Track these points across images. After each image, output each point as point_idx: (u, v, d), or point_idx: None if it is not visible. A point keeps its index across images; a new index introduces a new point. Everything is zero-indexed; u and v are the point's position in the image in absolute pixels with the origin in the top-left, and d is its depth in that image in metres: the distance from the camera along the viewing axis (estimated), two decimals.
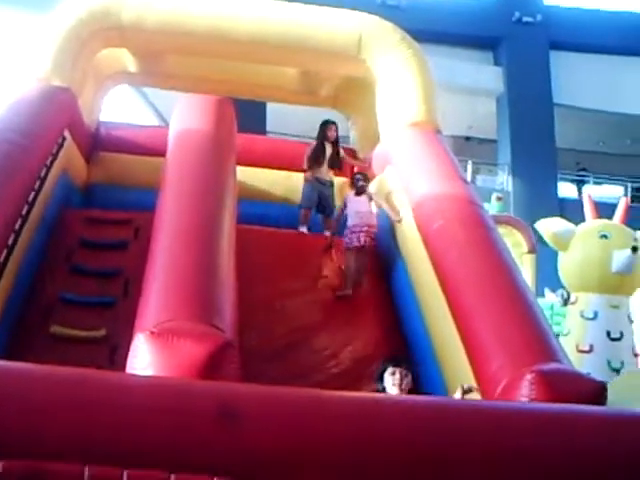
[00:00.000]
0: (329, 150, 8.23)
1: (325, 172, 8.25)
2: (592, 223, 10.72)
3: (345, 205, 7.49)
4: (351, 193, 7.54)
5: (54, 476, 2.78)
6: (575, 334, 10.05)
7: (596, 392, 4.69)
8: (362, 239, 7.20)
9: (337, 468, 3.03)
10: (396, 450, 3.11)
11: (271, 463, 2.98)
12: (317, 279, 7.20)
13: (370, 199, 7.47)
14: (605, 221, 10.76)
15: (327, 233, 7.80)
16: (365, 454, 3.07)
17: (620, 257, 9.99)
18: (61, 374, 3.23)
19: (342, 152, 8.38)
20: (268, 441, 3.01)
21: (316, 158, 8.20)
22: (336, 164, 8.29)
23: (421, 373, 6.41)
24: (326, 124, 8.32)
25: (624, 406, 4.62)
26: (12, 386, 3.02)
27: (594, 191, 24.87)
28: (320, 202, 8.15)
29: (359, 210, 7.33)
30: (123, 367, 4.26)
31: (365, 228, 7.25)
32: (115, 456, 2.88)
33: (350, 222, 7.33)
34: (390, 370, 5.14)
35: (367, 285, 7.25)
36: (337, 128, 8.33)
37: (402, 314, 6.96)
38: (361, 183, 7.50)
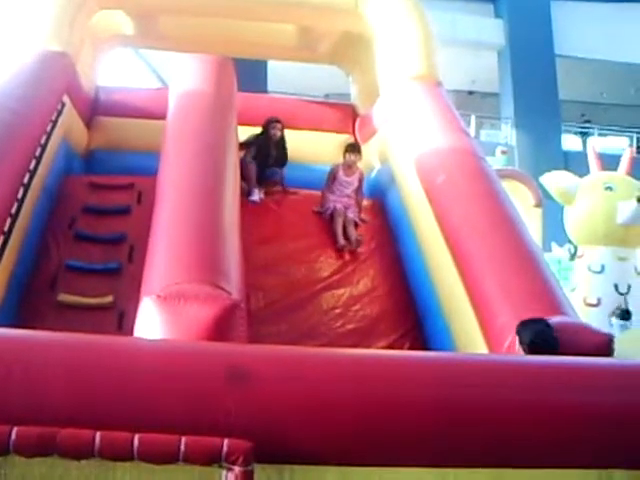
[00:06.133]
0: (273, 152, 7.73)
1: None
2: (596, 175, 10.67)
3: (334, 178, 7.41)
4: (341, 170, 7.44)
5: (66, 441, 2.80)
6: (583, 288, 10.06)
7: (603, 344, 4.68)
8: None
9: (349, 426, 3.04)
10: (407, 407, 3.12)
11: (282, 423, 2.99)
12: (321, 239, 7.19)
13: (359, 179, 7.45)
14: (609, 173, 10.70)
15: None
16: (377, 412, 3.08)
17: (625, 208, 9.96)
18: (70, 340, 3.24)
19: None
20: (279, 401, 3.01)
21: (259, 165, 7.57)
22: (283, 161, 7.78)
23: (428, 328, 6.44)
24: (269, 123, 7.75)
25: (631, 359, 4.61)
26: (22, 353, 3.03)
27: (599, 143, 24.71)
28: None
29: (343, 193, 7.35)
30: (131, 332, 4.26)
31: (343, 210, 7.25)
32: (126, 421, 2.89)
33: (332, 197, 7.35)
34: None
35: (373, 243, 7.26)
36: (282, 127, 7.78)
37: (408, 270, 6.96)
38: (352, 158, 7.40)
